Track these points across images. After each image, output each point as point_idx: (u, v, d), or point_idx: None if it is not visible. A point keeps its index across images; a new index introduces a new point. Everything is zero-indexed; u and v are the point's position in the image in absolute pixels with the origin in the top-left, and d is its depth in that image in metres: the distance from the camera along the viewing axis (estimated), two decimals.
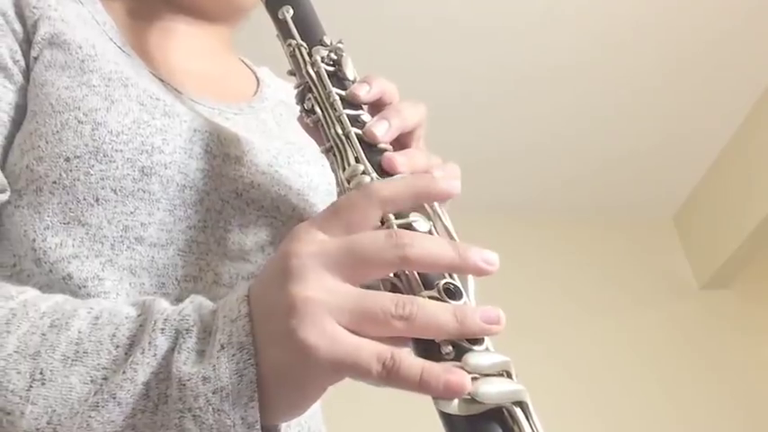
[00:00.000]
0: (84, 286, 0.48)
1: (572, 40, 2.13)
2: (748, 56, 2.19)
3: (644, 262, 2.63)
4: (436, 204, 0.43)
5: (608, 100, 2.31)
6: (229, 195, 0.55)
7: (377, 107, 0.50)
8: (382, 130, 0.47)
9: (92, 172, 0.50)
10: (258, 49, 0.81)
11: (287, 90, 0.72)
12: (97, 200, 0.50)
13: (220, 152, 0.56)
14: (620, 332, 2.44)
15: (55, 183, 0.50)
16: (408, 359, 0.34)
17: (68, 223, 0.49)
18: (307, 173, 0.60)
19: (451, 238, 0.41)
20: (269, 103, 0.68)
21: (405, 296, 0.36)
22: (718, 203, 2.53)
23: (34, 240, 0.49)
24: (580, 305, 2.48)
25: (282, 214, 0.57)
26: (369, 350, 0.34)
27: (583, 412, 2.22)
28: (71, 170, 0.50)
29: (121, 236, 0.50)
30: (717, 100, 2.33)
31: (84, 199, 0.50)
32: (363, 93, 0.49)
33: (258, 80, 0.72)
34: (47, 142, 0.51)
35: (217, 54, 0.69)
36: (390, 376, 0.34)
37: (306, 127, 0.53)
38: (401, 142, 0.50)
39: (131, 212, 0.51)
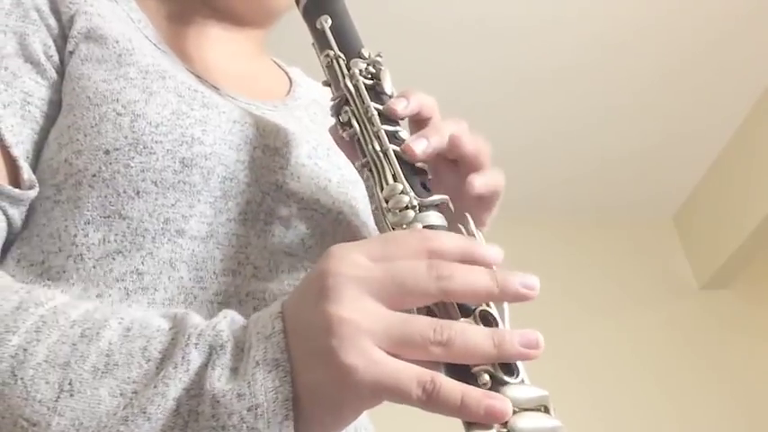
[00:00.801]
0: (123, 280, 0.48)
1: (572, 41, 2.13)
2: (748, 56, 2.19)
3: (644, 262, 2.63)
4: (474, 231, 0.43)
5: (608, 100, 2.31)
6: (269, 187, 0.55)
7: (416, 123, 0.50)
8: (420, 148, 0.46)
9: (132, 164, 0.49)
10: (285, 49, 0.82)
11: (319, 89, 0.72)
12: (138, 192, 0.49)
13: (260, 143, 0.56)
14: (620, 332, 2.44)
15: (95, 176, 0.49)
16: (449, 383, 0.34)
17: (109, 217, 0.49)
18: (346, 165, 0.59)
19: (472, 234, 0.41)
20: (302, 101, 0.68)
21: (443, 321, 0.36)
22: (718, 203, 2.53)
23: (75, 236, 0.48)
24: (580, 305, 2.48)
25: (322, 206, 0.56)
26: (409, 373, 0.34)
27: (583, 412, 2.22)
28: (111, 163, 0.49)
29: (162, 228, 0.50)
30: (717, 100, 2.33)
31: (125, 192, 0.49)
32: (401, 108, 0.49)
33: (291, 80, 0.72)
34: (85, 135, 0.50)
35: (250, 56, 0.69)
36: (431, 400, 0.33)
37: (339, 140, 0.53)
38: (444, 160, 0.50)
39: (172, 205, 0.50)
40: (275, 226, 0.54)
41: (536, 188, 2.62)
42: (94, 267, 0.48)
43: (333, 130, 0.53)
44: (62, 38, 0.56)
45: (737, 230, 2.37)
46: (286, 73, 0.74)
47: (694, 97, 2.31)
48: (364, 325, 0.34)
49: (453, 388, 0.33)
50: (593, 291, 2.52)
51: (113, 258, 0.48)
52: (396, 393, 0.33)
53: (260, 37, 0.71)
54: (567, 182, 2.60)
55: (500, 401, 0.33)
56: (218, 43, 0.66)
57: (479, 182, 0.47)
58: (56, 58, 0.55)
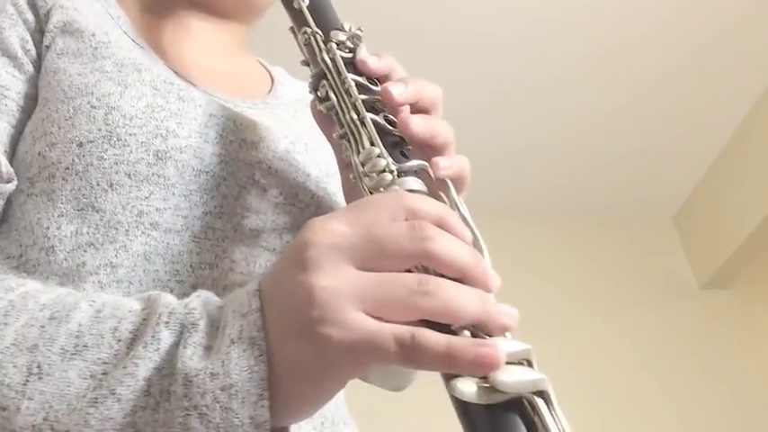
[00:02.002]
0: (96, 273, 0.47)
1: (572, 41, 2.13)
2: (748, 56, 2.19)
3: (644, 262, 2.63)
4: (455, 197, 0.42)
5: (608, 100, 2.31)
6: (246, 181, 0.54)
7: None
8: (398, 90, 0.45)
9: (105, 156, 0.49)
10: (272, 49, 0.81)
11: (301, 89, 0.71)
12: (111, 185, 0.49)
13: (237, 137, 0.55)
14: (619, 332, 2.44)
15: (68, 169, 0.49)
16: (432, 334, 0.32)
17: (82, 209, 0.48)
18: (324, 160, 0.59)
19: (472, 232, 0.40)
20: (284, 100, 0.68)
21: (427, 275, 0.35)
22: (718, 203, 2.52)
23: (48, 228, 0.48)
24: (580, 305, 2.48)
25: (301, 201, 0.56)
26: (385, 331, 0.33)
27: (582, 412, 2.21)
28: (84, 155, 0.49)
29: (136, 221, 0.49)
30: (717, 100, 2.33)
31: (98, 184, 0.49)
32: (373, 62, 0.48)
33: (273, 79, 0.71)
34: (59, 128, 0.50)
35: (231, 52, 0.68)
36: (413, 355, 0.32)
37: (318, 115, 0.52)
38: None
39: (146, 197, 0.50)
40: (252, 220, 0.54)
41: (536, 188, 2.62)
42: (66, 260, 0.47)
43: (312, 106, 0.53)
44: (39, 32, 0.56)
45: (737, 230, 2.37)
46: (268, 72, 0.73)
47: (694, 97, 2.31)
48: (345, 291, 0.33)
49: (438, 337, 0.32)
50: (593, 291, 2.52)
51: (84, 251, 0.47)
52: (373, 353, 0.32)
53: (241, 33, 0.70)
54: (567, 182, 2.60)
55: (492, 348, 0.32)
56: (197, 38, 0.65)
57: (444, 164, 0.45)
58: (33, 52, 0.55)
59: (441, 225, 0.37)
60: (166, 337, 0.36)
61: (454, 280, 0.36)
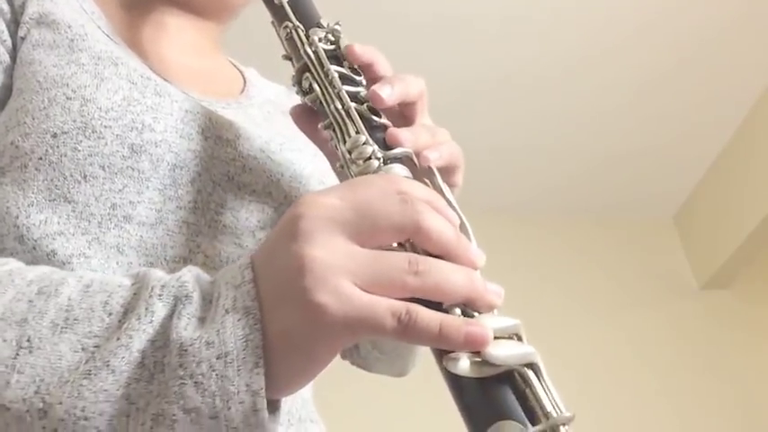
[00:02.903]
0: (69, 263, 0.47)
1: (572, 40, 2.13)
2: (748, 56, 2.19)
3: (644, 262, 2.63)
4: (441, 184, 0.43)
5: (608, 100, 2.31)
6: (221, 178, 0.55)
7: (372, 80, 0.50)
8: (386, 92, 0.47)
9: (80, 148, 0.49)
10: (247, 50, 0.81)
11: (274, 90, 0.72)
12: (85, 176, 0.49)
13: (212, 134, 0.56)
14: (619, 332, 2.44)
15: (41, 159, 0.49)
16: (426, 311, 0.34)
17: (54, 200, 0.48)
18: (299, 160, 0.60)
19: (459, 216, 0.41)
20: (256, 100, 0.68)
21: (418, 255, 0.36)
22: (718, 203, 2.52)
23: (17, 217, 0.48)
24: (580, 305, 2.48)
25: (274, 200, 0.57)
26: (383, 305, 0.34)
27: (582, 412, 2.21)
28: (58, 146, 0.49)
29: (109, 213, 0.49)
30: (716, 100, 2.33)
31: (72, 176, 0.49)
32: (359, 49, 0.50)
33: (245, 79, 0.71)
34: (33, 118, 0.50)
35: (206, 51, 0.69)
36: (408, 330, 0.33)
37: (296, 114, 0.53)
38: (405, 115, 0.51)
39: (120, 190, 0.50)
40: (225, 216, 0.54)
41: (536, 188, 2.62)
42: (35, 248, 0.47)
43: (291, 110, 0.54)
44: (14, 23, 0.56)
45: (737, 230, 2.37)
46: (241, 73, 0.73)
47: (694, 97, 2.31)
48: (338, 262, 0.34)
49: (431, 316, 0.34)
50: (593, 291, 2.52)
51: (53, 239, 0.47)
52: (370, 326, 0.33)
53: (217, 33, 0.70)
54: (566, 182, 2.60)
55: (480, 327, 0.34)
56: (173, 36, 0.65)
57: (434, 155, 0.47)
58: (8, 42, 0.55)
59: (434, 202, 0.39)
60: (160, 309, 0.36)
61: (440, 257, 0.37)
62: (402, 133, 0.45)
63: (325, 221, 0.35)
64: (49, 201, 0.48)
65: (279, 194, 0.57)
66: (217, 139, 0.56)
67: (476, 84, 2.23)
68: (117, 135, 0.50)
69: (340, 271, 0.34)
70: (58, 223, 0.48)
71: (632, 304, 2.52)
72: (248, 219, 0.55)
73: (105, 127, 0.50)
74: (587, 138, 2.44)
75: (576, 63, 2.19)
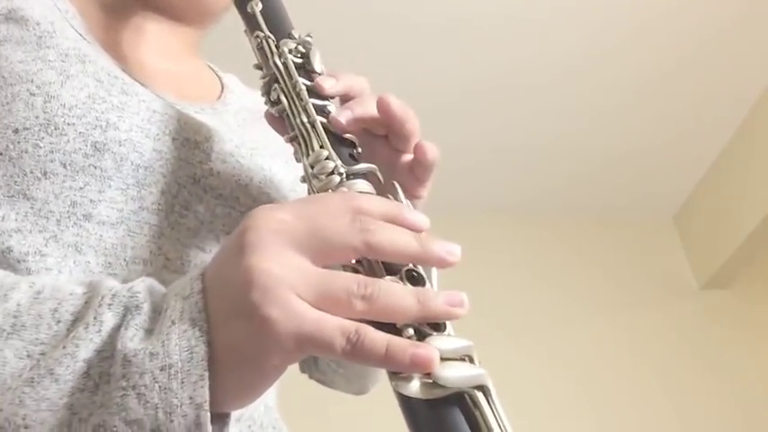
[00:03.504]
0: (24, 260, 0.46)
1: (572, 40, 2.13)
2: (748, 56, 2.19)
3: (644, 262, 2.63)
4: (403, 199, 0.43)
5: (608, 100, 2.31)
6: (186, 180, 0.54)
7: (345, 103, 0.50)
8: (345, 117, 0.47)
9: (41, 144, 0.48)
10: (229, 56, 0.81)
11: (252, 98, 0.70)
12: (45, 173, 0.48)
13: (180, 136, 0.55)
14: (619, 332, 2.44)
15: (1, 154, 0.48)
16: (373, 333, 0.33)
17: (13, 196, 0.48)
18: (270, 167, 0.59)
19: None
20: (232, 107, 0.67)
21: (368, 277, 0.35)
22: (718, 203, 2.52)
23: None
24: (580, 305, 2.48)
25: (242, 205, 0.56)
26: (333, 323, 0.33)
27: (582, 412, 2.22)
28: (19, 142, 0.48)
29: (68, 211, 0.48)
30: (717, 99, 2.33)
31: (32, 172, 0.48)
32: (328, 85, 0.49)
33: (223, 86, 0.71)
34: None
35: (182, 56, 0.67)
36: (355, 350, 0.33)
37: (270, 118, 0.53)
38: (369, 133, 0.51)
39: (80, 188, 0.49)
40: (190, 219, 0.53)
41: (536, 188, 2.62)
42: None
43: (266, 112, 0.53)
44: None
45: (737, 230, 2.37)
46: (219, 78, 0.72)
47: (694, 97, 2.31)
48: (287, 277, 0.34)
49: (378, 337, 0.33)
50: (593, 291, 2.52)
51: (9, 236, 0.47)
52: (319, 344, 0.33)
53: (195, 37, 0.69)
54: (566, 182, 2.60)
55: (426, 350, 0.33)
56: (150, 40, 0.64)
57: (431, 149, 0.47)
58: None
59: (389, 221, 0.38)
60: (109, 319, 0.35)
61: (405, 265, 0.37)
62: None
63: (275, 235, 0.35)
64: (8, 197, 0.48)
65: (247, 199, 0.56)
66: (185, 140, 0.55)
67: (476, 84, 2.22)
68: (80, 132, 0.49)
69: (289, 285, 0.33)
70: (16, 220, 0.47)
71: (632, 304, 2.52)
72: (212, 223, 0.54)
73: (68, 124, 0.49)
74: (587, 138, 2.44)
75: (576, 63, 2.19)
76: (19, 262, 0.46)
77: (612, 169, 2.55)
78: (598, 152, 2.49)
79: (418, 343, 0.34)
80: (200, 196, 0.54)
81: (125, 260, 0.50)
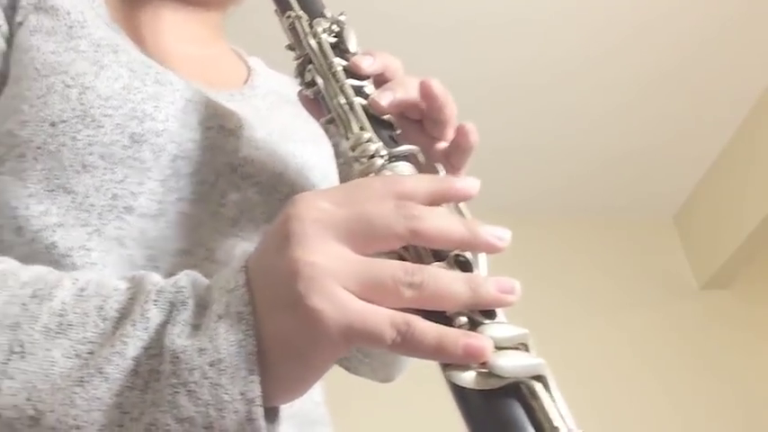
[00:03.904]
0: (69, 256, 0.46)
1: (572, 40, 2.13)
2: (748, 56, 2.19)
3: (644, 262, 2.62)
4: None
5: (608, 100, 2.31)
6: (224, 168, 0.53)
7: (380, 83, 0.49)
8: (387, 100, 0.45)
9: (79, 137, 0.48)
10: (251, 39, 0.81)
11: (279, 80, 0.70)
12: (84, 166, 0.48)
13: (215, 124, 0.54)
14: (619, 332, 2.44)
15: (39, 148, 0.47)
16: (424, 323, 0.32)
17: (53, 191, 0.47)
18: (302, 153, 0.58)
19: (460, 213, 0.39)
20: (260, 90, 0.66)
21: (415, 264, 0.34)
22: (718, 203, 2.52)
23: (16, 208, 0.47)
24: (580, 305, 2.47)
25: (279, 192, 0.55)
26: (382, 315, 0.32)
27: (582, 412, 2.21)
28: (57, 135, 0.47)
29: (110, 205, 0.48)
30: (717, 100, 2.33)
31: (71, 165, 0.47)
32: (366, 64, 0.48)
33: (249, 69, 0.70)
34: (31, 106, 0.48)
35: (206, 41, 0.67)
36: (405, 342, 0.32)
37: (306, 101, 0.51)
38: (407, 118, 0.50)
39: (120, 180, 0.49)
40: (228, 209, 0.53)
41: (536, 188, 2.62)
42: (33, 240, 0.46)
43: (300, 94, 0.52)
44: (11, 8, 0.55)
45: (737, 230, 2.37)
46: (245, 62, 0.71)
47: (694, 97, 2.31)
48: (332, 268, 0.33)
49: (429, 328, 0.32)
50: (593, 291, 2.52)
51: (53, 231, 0.46)
52: (368, 337, 0.32)
53: (216, 21, 0.69)
54: (566, 182, 2.60)
55: (479, 339, 0.32)
56: (173, 27, 0.64)
57: (473, 131, 0.46)
58: (5, 28, 0.54)
59: (434, 201, 0.37)
60: (155, 316, 0.35)
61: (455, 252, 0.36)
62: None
63: (318, 225, 0.34)
64: (48, 191, 0.47)
65: (284, 186, 0.56)
66: (219, 128, 0.54)
67: (476, 84, 2.22)
68: (117, 124, 0.49)
69: (335, 276, 0.33)
70: (57, 214, 0.47)
71: (632, 304, 2.52)
72: (252, 211, 0.54)
73: (105, 116, 0.49)
74: (587, 138, 2.44)
75: (577, 63, 2.19)
76: (64, 257, 0.46)
77: (612, 169, 2.55)
78: (598, 152, 2.49)
79: (471, 333, 0.33)
80: (237, 185, 0.53)
81: (167, 252, 0.49)
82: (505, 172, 2.53)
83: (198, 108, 0.54)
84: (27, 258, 0.45)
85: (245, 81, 0.67)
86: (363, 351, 0.66)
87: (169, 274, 0.44)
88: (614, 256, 2.62)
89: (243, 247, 0.52)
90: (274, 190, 0.55)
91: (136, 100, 0.51)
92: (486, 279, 0.35)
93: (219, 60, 0.68)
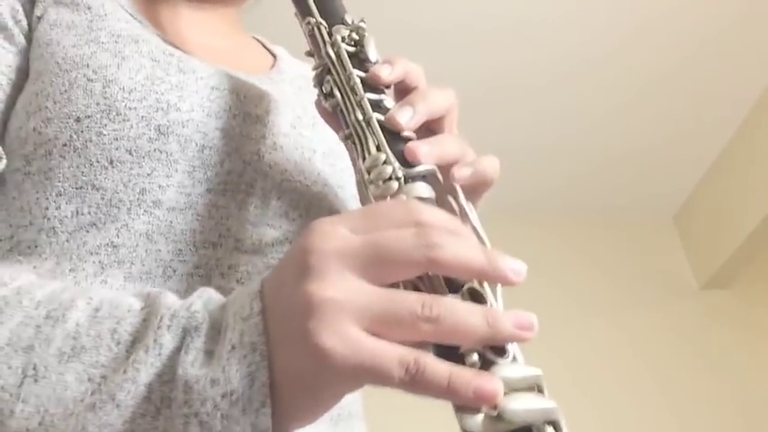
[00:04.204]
0: (97, 253, 0.45)
1: (572, 40, 2.13)
2: (748, 56, 2.19)
3: (644, 262, 2.63)
4: (464, 203, 0.41)
5: (608, 100, 2.31)
6: (251, 157, 0.52)
7: (401, 92, 0.47)
8: (406, 117, 0.43)
9: (104, 132, 0.47)
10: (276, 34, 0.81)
11: (304, 67, 0.69)
12: (111, 162, 0.47)
13: (241, 111, 0.54)
14: (619, 332, 2.44)
15: (65, 145, 0.47)
16: (434, 363, 0.31)
17: (81, 188, 0.46)
18: (332, 137, 0.56)
19: (480, 239, 0.39)
20: (287, 75, 0.65)
21: (432, 296, 0.33)
22: (718, 203, 2.52)
23: (47, 209, 0.46)
24: (580, 305, 2.47)
25: (307, 178, 0.54)
26: (391, 354, 0.31)
27: (581, 412, 2.21)
28: (82, 131, 0.47)
29: (138, 199, 0.47)
30: (717, 100, 2.33)
31: (98, 161, 0.47)
32: (385, 74, 0.46)
33: (274, 56, 0.69)
34: (54, 102, 0.48)
35: (227, 34, 0.66)
36: (415, 381, 0.31)
37: (323, 112, 0.50)
38: (430, 130, 0.47)
39: (148, 174, 0.48)
40: (257, 197, 0.52)
41: (536, 188, 2.62)
42: (68, 241, 0.46)
43: (317, 103, 0.51)
44: (30, 2, 0.54)
45: (737, 230, 2.37)
46: (269, 50, 0.70)
47: (694, 97, 2.31)
48: (347, 305, 0.32)
49: (440, 368, 0.31)
50: (592, 291, 2.52)
51: (87, 231, 0.46)
52: (377, 375, 0.31)
53: (234, 16, 0.68)
54: (566, 182, 2.60)
55: (490, 382, 0.31)
56: (192, 22, 0.63)
57: (461, 173, 0.43)
58: (24, 22, 0.53)
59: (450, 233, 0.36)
60: (168, 342, 0.35)
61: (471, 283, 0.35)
62: (421, 147, 0.41)
63: (335, 256, 0.33)
64: (77, 189, 0.46)
65: (311, 172, 0.55)
66: (246, 115, 0.54)
67: (476, 85, 2.22)
68: (142, 117, 0.48)
69: (348, 313, 0.32)
70: (89, 213, 0.46)
71: (632, 304, 2.52)
72: (280, 199, 0.53)
73: (130, 109, 0.48)
74: (587, 138, 2.44)
75: (577, 63, 2.19)
76: (91, 254, 0.45)
77: (612, 169, 2.55)
78: (598, 152, 2.49)
79: (482, 373, 0.32)
80: (265, 172, 0.53)
81: (194, 245, 0.48)
82: (505, 172, 2.50)
83: (222, 95, 0.53)
84: (51, 257, 0.45)
85: (272, 67, 0.66)
86: None
87: (195, 267, 0.43)
88: (614, 256, 2.62)
89: (272, 235, 0.51)
90: (302, 176, 0.54)
91: (160, 91, 0.50)
92: (503, 314, 0.34)
93: (243, 49, 0.67)
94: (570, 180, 2.59)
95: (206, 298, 0.37)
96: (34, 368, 0.34)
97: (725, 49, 2.17)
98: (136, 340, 0.35)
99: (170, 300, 0.37)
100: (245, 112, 0.54)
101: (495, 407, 0.31)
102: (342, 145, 0.56)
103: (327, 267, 0.33)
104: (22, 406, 0.33)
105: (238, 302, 0.35)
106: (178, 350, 0.34)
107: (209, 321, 0.35)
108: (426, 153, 0.41)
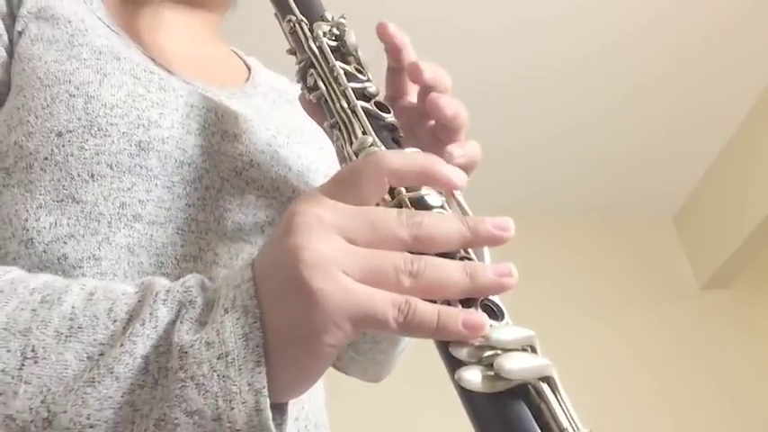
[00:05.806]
0: (80, 266, 0.46)
1: (572, 40, 2.13)
2: (748, 56, 2.19)
3: (644, 262, 2.63)
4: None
5: (608, 99, 2.31)
6: (229, 173, 0.54)
7: (425, 97, 0.49)
8: (458, 153, 0.47)
9: (86, 147, 0.48)
10: (248, 41, 0.81)
11: (277, 79, 0.71)
12: (92, 176, 0.48)
13: (218, 129, 0.55)
14: (619, 332, 2.44)
15: (47, 159, 0.48)
16: (424, 303, 0.33)
17: (62, 201, 0.47)
18: (306, 154, 0.59)
19: (464, 212, 0.40)
20: (261, 89, 0.66)
21: (414, 255, 0.35)
22: (718, 203, 2.52)
23: (26, 220, 0.47)
24: (580, 305, 2.47)
25: (282, 195, 0.56)
26: (384, 296, 0.33)
27: (581, 412, 2.21)
28: (64, 145, 0.48)
29: (119, 213, 0.48)
30: (717, 99, 2.32)
31: (79, 175, 0.48)
32: (392, 30, 0.51)
33: (249, 68, 0.70)
34: (36, 117, 0.49)
35: (205, 41, 0.67)
36: (407, 322, 0.33)
37: (307, 105, 0.52)
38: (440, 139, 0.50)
39: (128, 189, 0.49)
40: (234, 213, 0.53)
41: (535, 187, 2.62)
42: (45, 252, 0.46)
43: (301, 97, 0.52)
44: (11, 17, 0.55)
45: (737, 230, 2.37)
46: (244, 61, 0.72)
47: (694, 97, 2.31)
48: (334, 255, 0.33)
49: (429, 307, 0.33)
50: (592, 290, 2.52)
51: (65, 242, 0.47)
52: (372, 317, 0.33)
53: (215, 22, 0.69)
54: (566, 182, 2.60)
55: (476, 314, 0.33)
56: (172, 28, 0.64)
57: (458, 152, 0.47)
58: (5, 37, 0.54)
59: (426, 178, 0.38)
60: (164, 315, 0.35)
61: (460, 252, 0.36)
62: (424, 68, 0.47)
63: (321, 219, 0.35)
64: (57, 201, 0.47)
65: (287, 189, 0.56)
66: (223, 133, 0.55)
67: (475, 84, 2.22)
68: (123, 132, 0.49)
69: (337, 264, 0.33)
70: (68, 225, 0.47)
71: (632, 304, 2.52)
72: (256, 215, 0.54)
73: (111, 125, 0.49)
74: (587, 138, 2.44)
75: (577, 63, 2.19)
76: (74, 268, 0.46)
77: (612, 169, 2.55)
78: (598, 152, 2.49)
79: (469, 309, 0.34)
80: (242, 189, 0.54)
81: (176, 258, 0.49)
82: (505, 171, 2.53)
83: (201, 113, 0.55)
84: (36, 270, 0.45)
85: (247, 79, 0.68)
86: (354, 348, 0.67)
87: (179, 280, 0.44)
88: (614, 256, 2.62)
89: (249, 250, 0.53)
90: (277, 192, 0.56)
91: (141, 108, 0.51)
92: (483, 266, 0.35)
93: (221, 60, 0.68)
94: (570, 179, 2.59)
95: (199, 278, 0.38)
96: (33, 350, 0.35)
97: (725, 49, 2.17)
98: (132, 318, 0.36)
99: (164, 281, 0.38)
100: (223, 129, 0.55)
101: (491, 366, 0.33)
102: (315, 162, 0.59)
103: (313, 225, 0.34)
104: (25, 387, 0.34)
105: (230, 276, 0.37)
106: (173, 322, 0.35)
107: (203, 297, 0.36)
108: (447, 104, 0.47)
